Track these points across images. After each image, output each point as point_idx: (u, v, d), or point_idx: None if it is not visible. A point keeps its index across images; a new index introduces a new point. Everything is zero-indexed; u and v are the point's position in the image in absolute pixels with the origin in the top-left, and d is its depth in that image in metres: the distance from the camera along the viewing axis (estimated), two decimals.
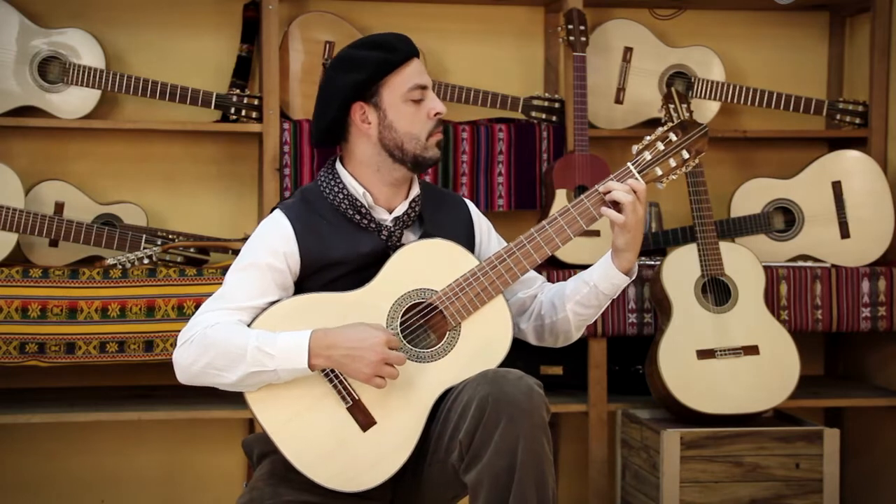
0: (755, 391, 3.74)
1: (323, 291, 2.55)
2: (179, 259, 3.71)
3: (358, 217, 2.58)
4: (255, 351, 2.45)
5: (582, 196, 2.59)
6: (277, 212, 2.59)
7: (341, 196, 2.59)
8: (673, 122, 3.72)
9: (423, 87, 2.57)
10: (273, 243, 2.55)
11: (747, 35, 4.39)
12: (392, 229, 2.59)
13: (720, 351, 3.74)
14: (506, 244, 2.64)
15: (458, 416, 2.43)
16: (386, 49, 2.55)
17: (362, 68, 2.54)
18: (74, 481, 4.08)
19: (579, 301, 2.64)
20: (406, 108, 2.56)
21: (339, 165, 2.63)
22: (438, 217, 2.66)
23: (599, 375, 3.94)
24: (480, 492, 2.39)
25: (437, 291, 2.54)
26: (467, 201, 2.76)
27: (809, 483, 3.70)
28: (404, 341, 2.53)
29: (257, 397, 2.51)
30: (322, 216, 2.58)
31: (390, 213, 2.62)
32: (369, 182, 2.60)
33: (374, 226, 2.59)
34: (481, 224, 2.74)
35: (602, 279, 2.61)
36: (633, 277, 2.61)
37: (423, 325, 2.55)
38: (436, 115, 2.58)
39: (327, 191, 2.60)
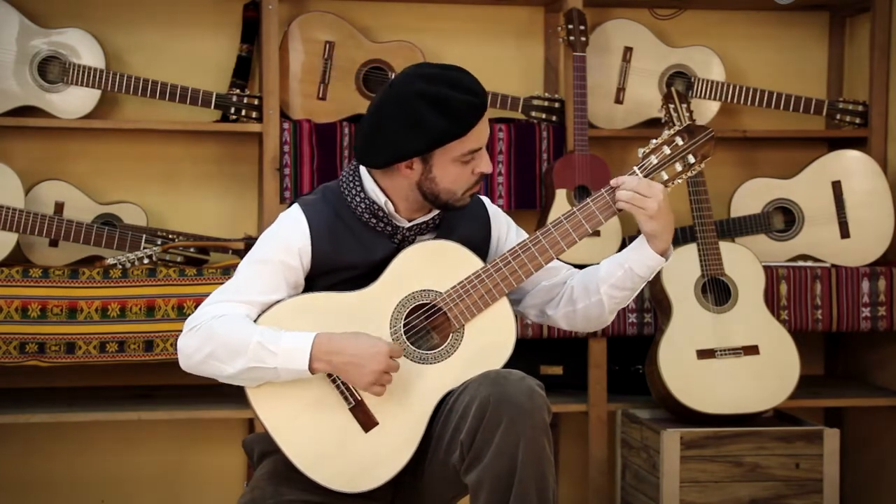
0: (755, 391, 3.74)
1: (329, 291, 2.54)
2: (179, 259, 3.71)
3: (374, 220, 2.56)
4: (257, 346, 2.44)
5: (588, 199, 2.58)
6: (296, 207, 2.58)
7: (359, 199, 2.56)
8: (673, 122, 3.74)
9: (478, 150, 2.52)
10: (288, 239, 2.54)
11: (747, 35, 4.39)
12: (407, 234, 2.59)
13: (720, 351, 3.74)
14: (527, 236, 2.63)
15: (459, 417, 2.43)
16: (455, 120, 2.45)
17: (425, 136, 2.46)
18: (74, 481, 4.08)
19: (614, 284, 2.62)
20: (453, 168, 2.51)
21: (363, 170, 2.59)
22: (455, 220, 2.64)
23: (599, 375, 3.94)
24: (481, 492, 2.39)
25: (441, 293, 2.53)
26: (485, 199, 2.73)
27: (809, 483, 3.70)
28: (408, 342, 2.53)
29: (259, 396, 2.51)
30: (339, 217, 2.56)
31: (409, 221, 2.60)
32: (395, 198, 2.57)
33: (389, 229, 2.57)
34: (499, 221, 2.72)
35: (637, 262, 2.59)
36: (669, 260, 2.60)
37: (427, 326, 2.55)
38: (479, 173, 2.54)
39: (346, 192, 2.58)
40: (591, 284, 2.65)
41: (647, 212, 2.52)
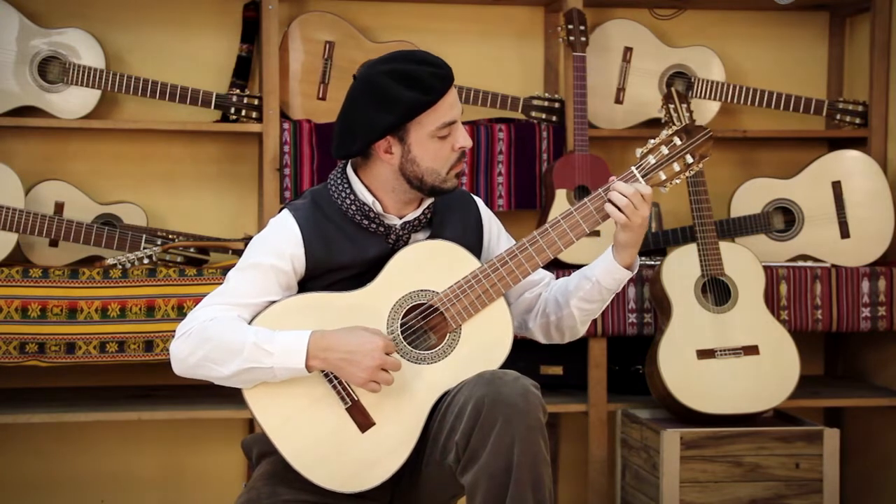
0: (755, 391, 3.74)
1: (325, 291, 2.54)
2: (179, 259, 3.72)
3: (366, 222, 2.56)
4: (252, 347, 2.44)
5: (585, 199, 2.58)
6: (285, 212, 2.57)
7: (349, 201, 2.56)
8: (673, 122, 3.74)
9: (452, 123, 2.52)
10: (279, 244, 2.53)
11: (747, 35, 4.39)
12: (400, 234, 2.58)
13: (720, 351, 3.74)
14: (514, 242, 2.64)
15: (454, 417, 2.43)
16: (422, 89, 2.46)
17: (395, 109, 2.46)
18: (74, 481, 4.08)
19: (583, 297, 2.64)
20: (431, 145, 2.51)
21: (350, 171, 2.59)
22: (448, 218, 2.64)
23: (599, 375, 3.94)
24: (477, 493, 2.39)
25: (438, 293, 2.53)
26: (476, 199, 2.73)
27: (809, 483, 3.70)
28: (404, 342, 2.53)
29: (256, 396, 2.51)
30: (330, 220, 2.56)
31: (400, 218, 2.60)
32: (382, 195, 2.58)
33: (382, 229, 2.57)
34: (491, 222, 2.73)
35: (604, 274, 2.60)
36: (635, 272, 2.62)
37: (424, 326, 2.54)
38: (460, 148, 2.54)
39: (336, 195, 2.58)
40: (561, 298, 2.67)
41: (631, 222, 2.53)
